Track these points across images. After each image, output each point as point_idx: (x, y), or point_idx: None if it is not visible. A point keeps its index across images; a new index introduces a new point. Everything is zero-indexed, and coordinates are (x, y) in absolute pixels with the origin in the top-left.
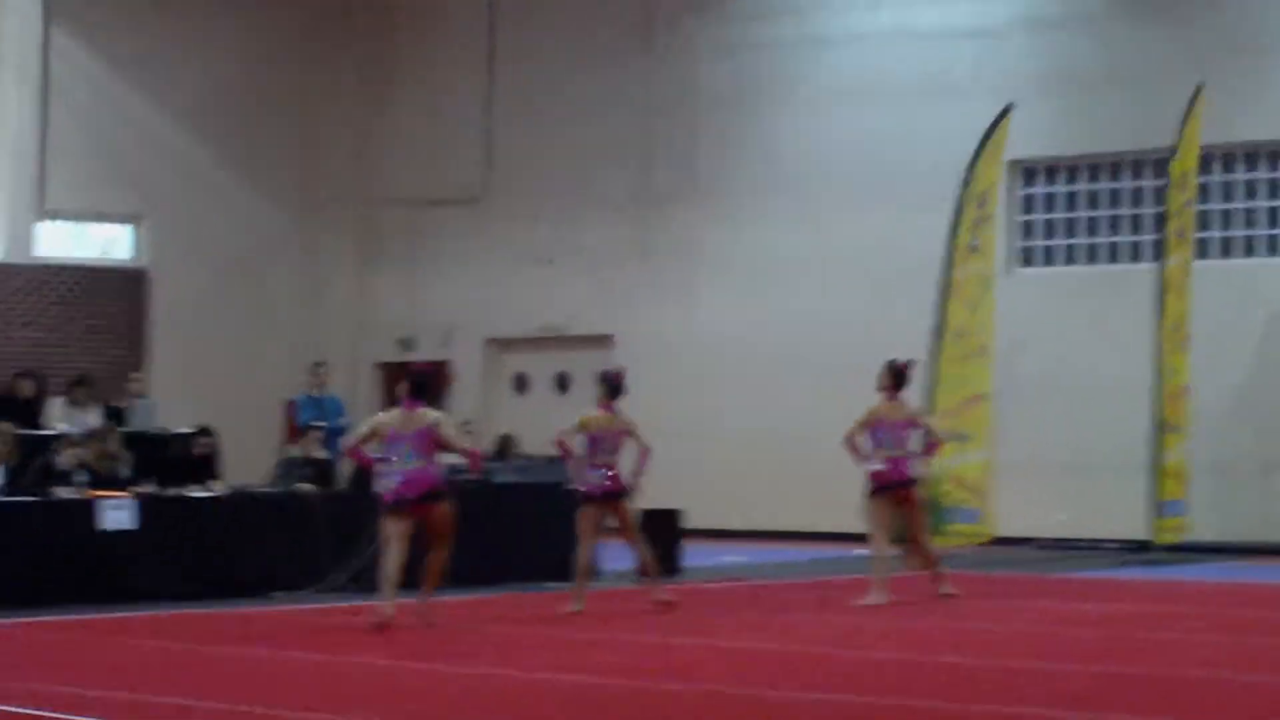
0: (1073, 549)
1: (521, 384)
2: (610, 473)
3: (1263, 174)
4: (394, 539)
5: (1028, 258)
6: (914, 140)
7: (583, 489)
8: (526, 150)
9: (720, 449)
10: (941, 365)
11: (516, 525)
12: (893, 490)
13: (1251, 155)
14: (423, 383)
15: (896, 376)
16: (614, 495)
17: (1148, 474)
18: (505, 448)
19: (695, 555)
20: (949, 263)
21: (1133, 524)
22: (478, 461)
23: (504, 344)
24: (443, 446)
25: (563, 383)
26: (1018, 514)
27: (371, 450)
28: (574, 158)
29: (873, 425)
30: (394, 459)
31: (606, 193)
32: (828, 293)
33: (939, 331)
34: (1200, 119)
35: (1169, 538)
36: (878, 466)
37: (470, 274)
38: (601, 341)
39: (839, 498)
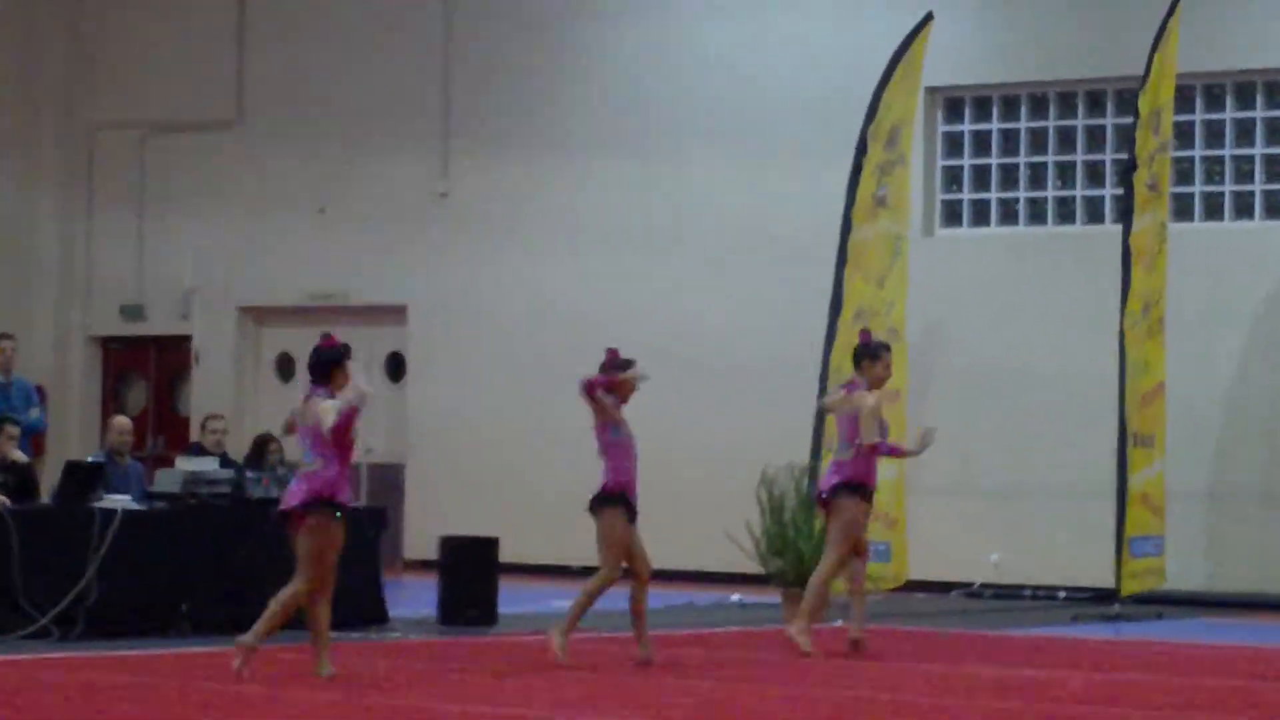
0: (1011, 598)
1: (286, 367)
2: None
3: (1259, 112)
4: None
5: (951, 215)
6: (803, 60)
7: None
8: (293, 65)
9: (547, 460)
10: (838, 355)
11: (278, 555)
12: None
13: (1244, 88)
14: (324, 361)
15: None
16: None
17: (1111, 502)
18: (263, 452)
19: (514, 598)
20: (848, 222)
21: (1091, 567)
22: None
23: (263, 315)
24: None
25: None
26: (939, 552)
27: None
28: (355, 78)
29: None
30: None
31: (397, 125)
32: (691, 258)
33: (835, 310)
34: (1177, 39)
35: (1138, 585)
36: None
37: (218, 223)
38: (390, 314)
39: (712, 523)
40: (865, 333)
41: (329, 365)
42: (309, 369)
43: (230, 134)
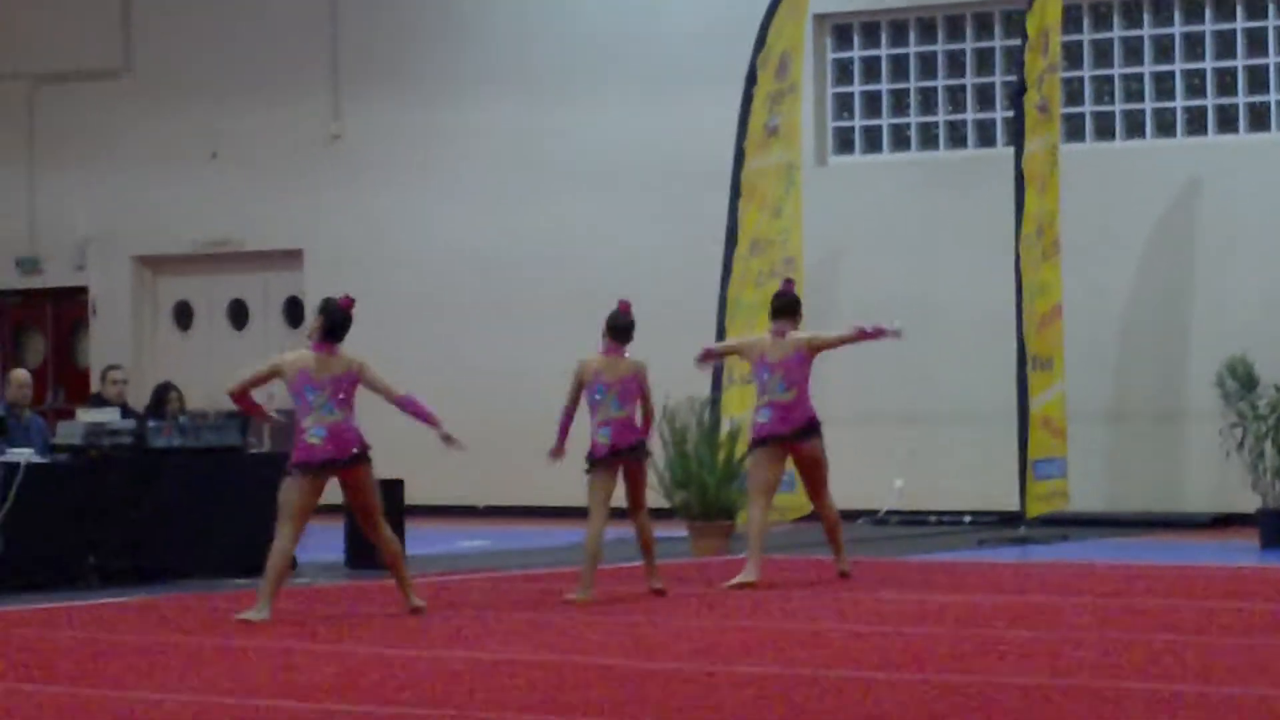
0: (917, 524)
1: (184, 316)
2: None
3: (1148, 30)
4: (296, 513)
5: (844, 143)
6: None
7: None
8: (180, 11)
9: (451, 401)
10: (734, 287)
11: (182, 504)
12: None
13: (1131, 6)
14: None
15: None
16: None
17: (1012, 425)
18: (163, 401)
19: (422, 540)
20: (741, 153)
21: (995, 491)
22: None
23: (159, 264)
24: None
25: (239, 314)
26: (843, 480)
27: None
28: (243, 23)
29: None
30: (310, 410)
31: (287, 69)
32: (586, 193)
33: (730, 242)
34: None
35: (1043, 507)
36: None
37: (110, 172)
38: (287, 259)
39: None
40: (789, 282)
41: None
42: (330, 330)
43: (119, 83)
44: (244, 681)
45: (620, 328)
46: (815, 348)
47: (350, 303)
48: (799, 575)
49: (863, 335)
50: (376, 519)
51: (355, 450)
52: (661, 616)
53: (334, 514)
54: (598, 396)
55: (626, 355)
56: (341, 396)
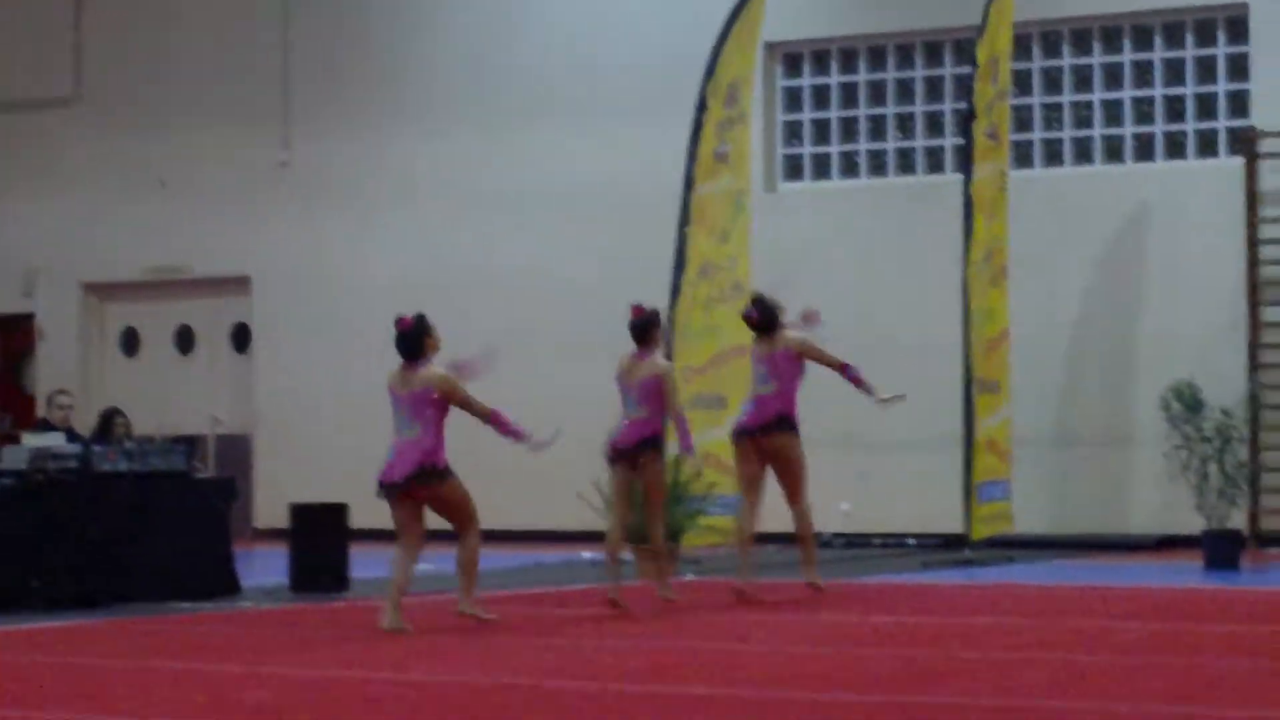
0: (862, 547)
1: (131, 342)
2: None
3: (1096, 58)
4: (398, 530)
5: (793, 169)
6: (642, 19)
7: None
8: (131, 40)
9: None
10: (682, 311)
11: (127, 529)
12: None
13: (1081, 35)
14: (413, 334)
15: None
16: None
17: (957, 449)
18: (110, 426)
19: (367, 564)
20: (690, 179)
21: (941, 514)
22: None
23: (106, 291)
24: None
25: (185, 340)
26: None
27: None
28: (193, 51)
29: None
30: (395, 428)
31: (236, 97)
32: (536, 223)
33: (679, 268)
34: None
35: (987, 530)
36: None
37: (59, 199)
38: (234, 285)
39: (555, 487)
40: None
41: (422, 336)
42: (398, 348)
43: (69, 110)
44: (185, 705)
45: (632, 330)
46: (803, 351)
47: (409, 321)
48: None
49: (845, 371)
50: (459, 528)
51: (408, 472)
52: (595, 639)
53: (279, 539)
54: (622, 397)
55: (653, 357)
56: (417, 413)
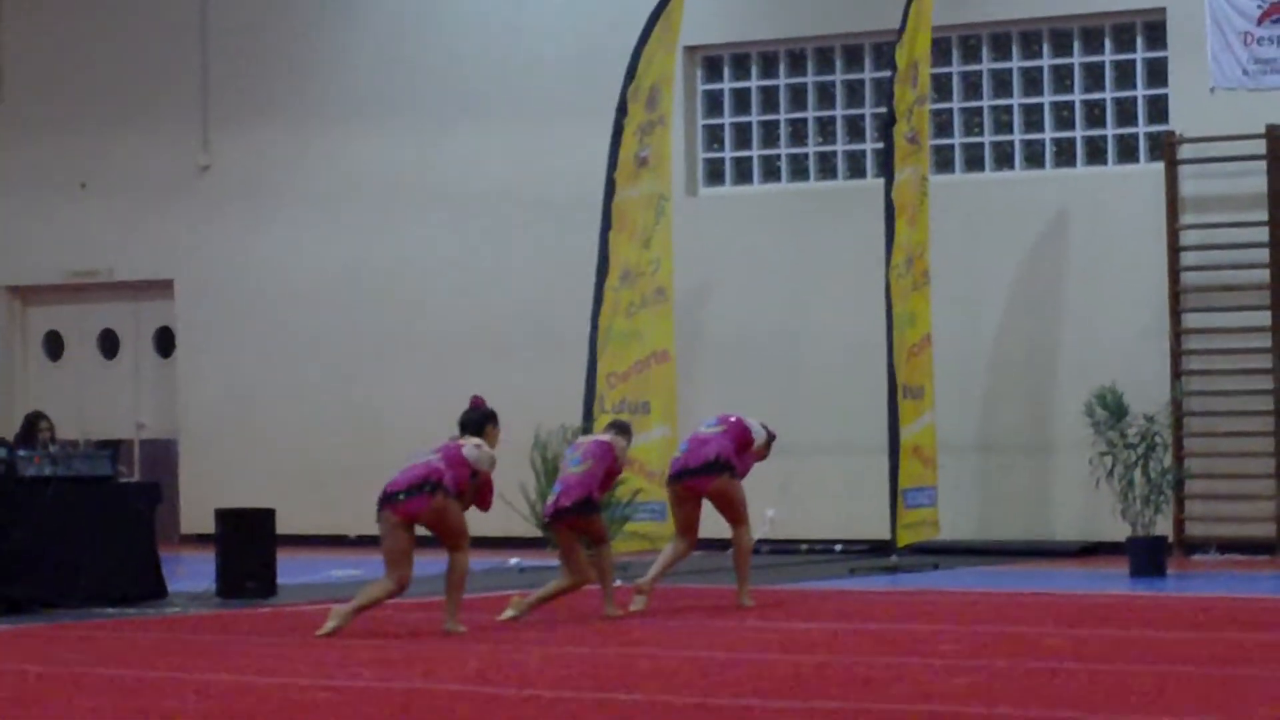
0: (788, 553)
1: (55, 346)
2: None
3: (1015, 63)
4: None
5: (714, 174)
6: (564, 20)
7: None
8: (49, 41)
9: (321, 431)
10: (605, 317)
11: (52, 534)
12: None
13: (1000, 39)
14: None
15: None
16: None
17: (883, 454)
18: (34, 430)
19: (292, 569)
20: (611, 184)
21: (866, 520)
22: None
23: (28, 294)
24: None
25: (109, 343)
26: (714, 509)
27: None
28: (112, 52)
29: None
30: None
31: (155, 98)
32: (458, 223)
33: (601, 273)
34: None
35: (913, 536)
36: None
37: None
38: (156, 289)
39: None
40: (478, 398)
41: (485, 422)
42: (466, 426)
43: None
44: (110, 712)
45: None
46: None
47: (479, 401)
48: (668, 604)
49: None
50: (449, 545)
51: (394, 490)
52: (516, 646)
53: (206, 544)
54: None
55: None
56: (438, 451)
